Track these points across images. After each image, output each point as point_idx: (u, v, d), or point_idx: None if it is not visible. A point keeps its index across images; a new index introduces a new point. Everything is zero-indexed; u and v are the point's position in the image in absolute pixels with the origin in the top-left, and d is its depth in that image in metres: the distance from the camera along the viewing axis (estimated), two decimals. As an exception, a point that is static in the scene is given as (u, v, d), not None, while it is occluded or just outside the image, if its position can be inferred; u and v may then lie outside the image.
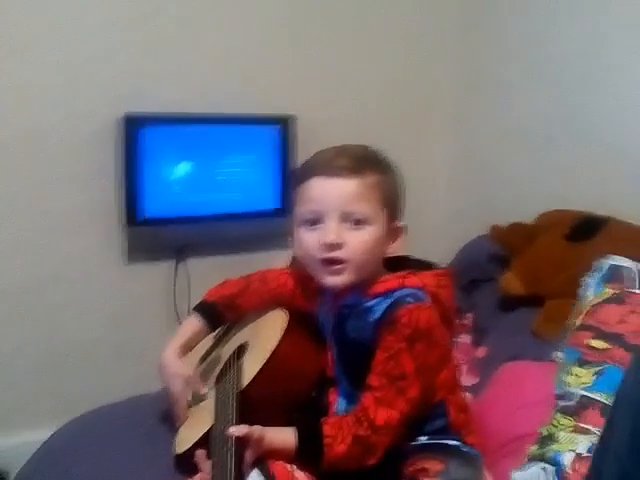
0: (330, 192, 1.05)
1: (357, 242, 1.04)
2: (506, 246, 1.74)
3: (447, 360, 1.11)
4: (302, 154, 1.93)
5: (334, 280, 1.06)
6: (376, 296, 1.06)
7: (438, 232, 2.32)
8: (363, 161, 1.07)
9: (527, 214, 1.79)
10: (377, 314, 1.05)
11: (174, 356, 1.19)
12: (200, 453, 1.00)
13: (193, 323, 1.24)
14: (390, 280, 1.07)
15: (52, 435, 1.34)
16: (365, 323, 1.06)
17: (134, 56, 1.81)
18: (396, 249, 1.11)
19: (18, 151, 1.71)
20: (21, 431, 1.77)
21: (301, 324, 1.20)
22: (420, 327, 1.02)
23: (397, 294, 1.05)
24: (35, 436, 1.41)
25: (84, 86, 1.77)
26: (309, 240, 1.06)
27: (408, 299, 1.03)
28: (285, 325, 1.18)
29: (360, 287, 1.08)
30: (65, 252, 1.81)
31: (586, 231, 1.60)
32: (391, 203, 1.08)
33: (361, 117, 2.11)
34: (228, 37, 1.91)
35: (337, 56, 2.08)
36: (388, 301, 1.05)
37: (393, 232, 1.10)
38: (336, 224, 1.04)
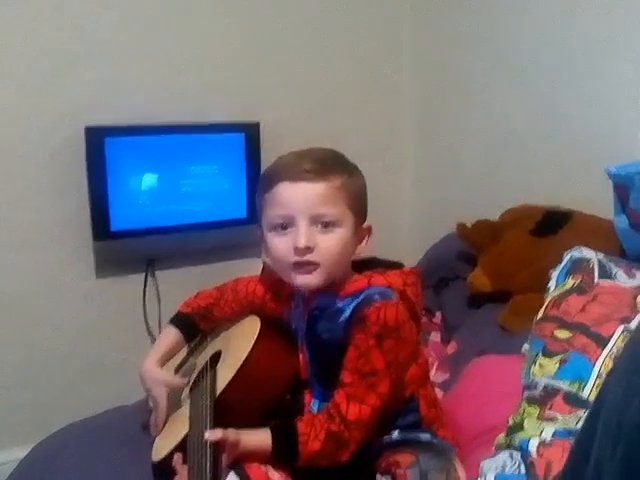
0: (298, 196, 1.06)
1: (328, 245, 1.06)
2: (472, 244, 1.77)
3: (416, 355, 1.13)
4: (267, 161, 1.91)
5: (305, 280, 1.08)
6: (346, 297, 1.08)
7: (406, 232, 2.35)
8: (327, 164, 1.08)
9: (494, 210, 1.82)
10: (346, 314, 1.07)
11: (154, 365, 1.21)
12: (177, 457, 1.01)
13: (170, 335, 1.27)
14: (358, 280, 1.10)
15: (30, 451, 1.33)
16: (336, 324, 1.08)
17: (95, 67, 1.79)
18: (364, 250, 1.13)
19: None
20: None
21: (273, 330, 1.21)
22: (388, 324, 1.04)
23: (365, 293, 1.06)
24: (12, 455, 1.43)
25: (45, 99, 1.75)
26: (280, 245, 1.08)
27: (375, 297, 1.05)
28: (257, 332, 1.19)
29: (330, 289, 1.10)
30: (34, 267, 1.79)
31: (551, 226, 1.63)
32: (357, 205, 1.10)
33: (325, 119, 2.12)
34: (189, 46, 1.92)
35: (299, 60, 2.09)
36: (356, 300, 1.07)
37: (360, 233, 1.12)
38: (306, 227, 1.05)
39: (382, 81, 2.27)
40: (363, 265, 1.16)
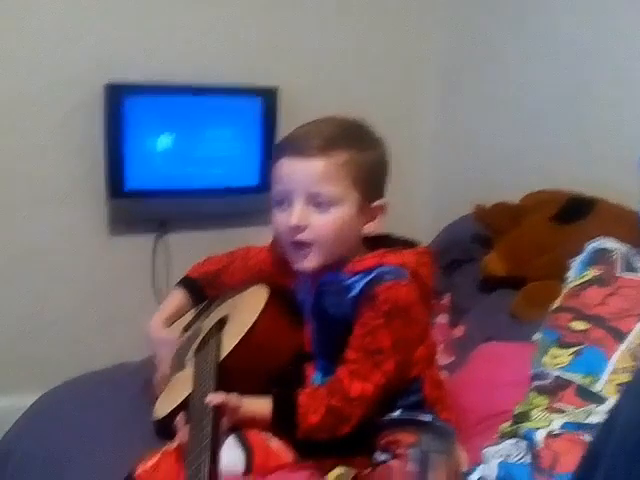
0: (295, 173, 1.04)
1: (322, 224, 1.04)
2: (489, 226, 1.73)
3: (424, 337, 1.11)
4: (284, 128, 1.91)
5: (302, 264, 1.07)
6: (355, 274, 1.06)
7: (420, 209, 2.31)
8: (337, 138, 1.04)
9: (514, 194, 1.77)
10: (355, 291, 1.05)
11: (159, 325, 1.23)
12: (180, 417, 1.01)
13: (177, 297, 1.27)
14: (369, 258, 1.07)
15: (36, 400, 1.38)
16: (344, 300, 1.06)
17: (118, 24, 1.77)
18: (374, 228, 1.10)
19: (2, 119, 1.68)
20: (5, 397, 1.78)
21: (280, 300, 1.21)
22: (399, 303, 1.02)
23: (376, 271, 1.04)
24: (19, 402, 1.44)
25: (68, 53, 1.73)
26: (279, 222, 1.07)
27: (387, 276, 1.03)
28: (264, 301, 1.19)
29: (339, 265, 1.08)
30: (49, 221, 1.80)
31: (574, 213, 1.59)
32: (365, 182, 1.06)
33: (345, 87, 2.07)
34: (213, 6, 1.88)
35: (321, 25, 2.04)
36: (367, 278, 1.05)
37: (369, 211, 1.08)
38: (301, 206, 1.04)
39: (406, 51, 2.21)
40: (377, 242, 1.13)
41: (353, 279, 1.06)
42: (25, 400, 1.40)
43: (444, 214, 2.00)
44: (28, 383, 1.72)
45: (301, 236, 1.04)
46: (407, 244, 1.13)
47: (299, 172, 1.04)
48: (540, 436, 0.94)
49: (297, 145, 1.05)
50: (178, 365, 1.23)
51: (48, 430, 1.25)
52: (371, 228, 1.09)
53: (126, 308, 1.93)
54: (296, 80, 1.99)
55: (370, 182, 1.07)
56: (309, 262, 1.07)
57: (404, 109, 2.24)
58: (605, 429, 0.61)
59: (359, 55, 2.12)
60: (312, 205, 1.04)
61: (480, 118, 2.11)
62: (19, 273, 1.80)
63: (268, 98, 1.91)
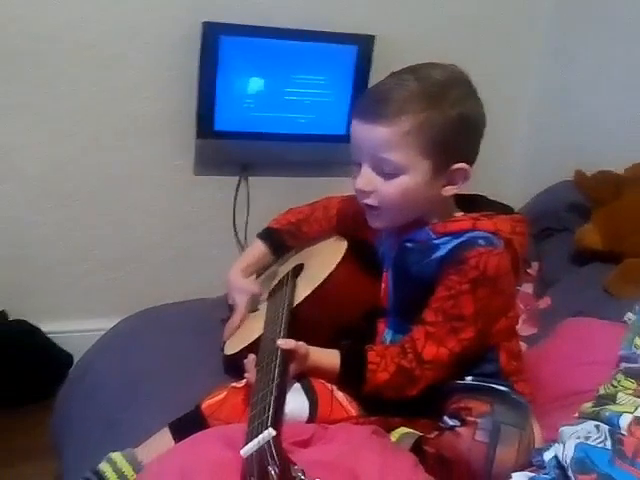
0: (362, 138, 1.01)
1: (387, 191, 1.01)
2: (589, 195, 1.63)
3: (508, 309, 1.07)
4: (377, 78, 1.83)
5: (372, 224, 1.07)
6: (445, 234, 1.02)
7: (515, 172, 2.20)
8: (411, 101, 0.97)
9: (615, 164, 1.65)
10: (443, 252, 1.02)
11: (239, 273, 1.27)
12: (251, 358, 1.01)
13: (257, 248, 1.31)
14: (462, 221, 1.03)
15: (115, 325, 1.45)
16: (428, 259, 1.03)
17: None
18: (455, 192, 1.04)
19: (100, 52, 1.71)
20: (87, 320, 1.87)
21: (358, 254, 1.20)
22: (488, 272, 0.98)
23: (468, 235, 1.00)
24: (99, 325, 1.53)
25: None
26: (354, 182, 1.05)
27: (480, 241, 0.99)
28: (343, 253, 1.19)
29: (427, 223, 1.05)
30: (139, 156, 1.83)
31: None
32: (443, 145, 0.99)
33: (444, 39, 1.97)
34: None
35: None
36: (457, 240, 1.01)
37: (448, 174, 1.01)
38: (368, 171, 1.01)
39: (511, 6, 2.07)
40: (470, 202, 1.08)
41: (441, 240, 1.03)
42: (104, 324, 1.48)
43: (538, 180, 1.90)
44: (108, 309, 1.80)
45: (367, 200, 1.03)
46: (501, 209, 1.08)
47: (364, 137, 1.01)
48: (625, 421, 0.88)
49: (366, 108, 1.01)
50: (252, 305, 1.27)
51: (124, 352, 1.32)
52: (451, 192, 1.03)
53: (205, 246, 1.97)
54: (393, 30, 1.91)
55: (447, 145, 0.99)
56: (379, 222, 1.06)
57: (504, 67, 2.12)
58: None
59: (460, 7, 2.00)
60: (378, 171, 1.01)
61: (585, 83, 1.98)
62: (105, 202, 1.84)
63: (364, 46, 1.85)
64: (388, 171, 1.00)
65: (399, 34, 1.92)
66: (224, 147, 1.85)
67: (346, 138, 1.85)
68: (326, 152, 1.93)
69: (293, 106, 1.86)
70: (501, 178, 2.07)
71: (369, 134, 0.99)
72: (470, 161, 1.02)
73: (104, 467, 0.97)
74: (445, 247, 1.01)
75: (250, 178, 1.95)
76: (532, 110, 2.17)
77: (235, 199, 1.95)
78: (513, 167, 2.20)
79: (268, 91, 1.83)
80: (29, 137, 1.72)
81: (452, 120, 0.98)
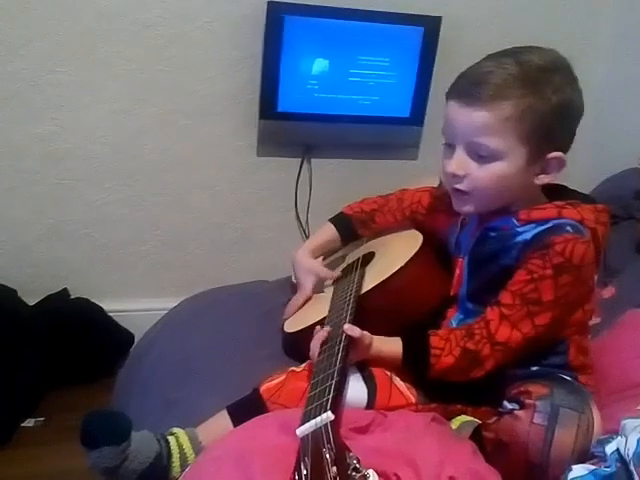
0: (458, 120, 0.99)
1: (481, 177, 0.99)
2: (659, 184, 1.58)
3: (586, 300, 1.06)
4: (443, 59, 1.82)
5: (460, 208, 1.05)
6: (529, 222, 1.02)
7: (580, 158, 2.12)
8: (511, 86, 0.95)
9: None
10: (526, 236, 1.01)
11: (306, 254, 1.29)
12: (322, 332, 1.01)
13: (327, 231, 1.32)
14: (548, 209, 1.02)
15: (177, 305, 1.46)
16: (509, 244, 1.03)
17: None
18: (548, 181, 1.02)
19: (165, 32, 1.72)
20: (148, 299, 1.92)
21: (432, 250, 1.19)
22: (573, 260, 0.97)
23: (554, 222, 0.99)
24: (160, 305, 1.55)
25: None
26: (443, 164, 1.04)
27: (568, 228, 0.98)
28: (417, 247, 1.18)
29: (512, 211, 1.04)
30: (202, 136, 1.85)
31: None
32: (540, 133, 0.97)
33: (511, 21, 1.93)
34: None
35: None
36: (542, 227, 1.00)
37: (543, 162, 1.00)
38: (461, 154, 1.00)
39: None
40: (553, 192, 1.07)
41: (524, 227, 1.02)
42: (165, 304, 1.49)
43: (604, 167, 1.86)
44: (169, 289, 1.84)
45: (459, 185, 1.02)
46: (584, 199, 1.06)
47: (462, 120, 0.99)
48: (691, 419, 0.87)
49: (465, 90, 0.98)
50: (318, 287, 1.28)
51: (185, 333, 1.33)
52: (545, 180, 1.02)
53: (266, 228, 1.99)
54: (461, 11, 1.88)
55: (546, 132, 0.98)
56: (468, 208, 1.05)
57: (571, 50, 2.00)
58: None
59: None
60: (473, 155, 0.99)
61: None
62: (167, 182, 1.86)
63: (430, 28, 1.83)
64: (483, 156, 0.98)
65: (466, 15, 1.88)
66: (287, 128, 1.87)
67: (409, 120, 1.88)
68: (389, 134, 1.92)
69: (357, 87, 1.85)
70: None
71: (467, 117, 0.98)
72: (565, 150, 1.01)
73: (170, 438, 0.99)
74: (529, 233, 1.01)
75: (313, 160, 1.96)
76: (599, 96, 2.10)
77: (297, 181, 1.96)
78: (579, 154, 2.12)
79: (332, 72, 1.83)
80: (91, 115, 1.73)
81: (553, 107, 0.97)
